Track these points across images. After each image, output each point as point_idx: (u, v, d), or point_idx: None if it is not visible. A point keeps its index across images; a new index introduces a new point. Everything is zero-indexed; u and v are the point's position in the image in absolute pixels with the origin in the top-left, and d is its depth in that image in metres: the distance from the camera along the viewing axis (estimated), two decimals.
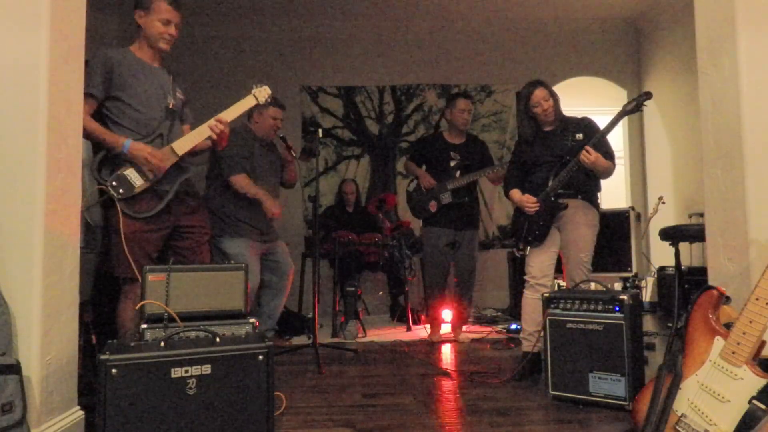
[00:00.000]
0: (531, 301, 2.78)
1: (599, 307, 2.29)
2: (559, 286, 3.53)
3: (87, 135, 2.12)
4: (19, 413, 1.51)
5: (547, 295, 2.46)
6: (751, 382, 1.47)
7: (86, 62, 2.01)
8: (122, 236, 2.18)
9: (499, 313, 4.90)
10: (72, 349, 1.85)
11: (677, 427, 1.59)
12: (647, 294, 5.11)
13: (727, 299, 1.67)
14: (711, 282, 2.13)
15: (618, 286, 4.31)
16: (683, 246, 3.41)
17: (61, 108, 1.79)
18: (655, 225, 4.04)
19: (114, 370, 1.61)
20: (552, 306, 2.41)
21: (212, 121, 2.37)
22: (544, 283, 2.78)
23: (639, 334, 2.34)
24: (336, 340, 3.91)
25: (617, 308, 2.24)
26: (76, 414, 1.84)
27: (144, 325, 1.91)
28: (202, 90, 5.13)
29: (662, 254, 4.71)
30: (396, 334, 4.18)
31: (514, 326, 3.95)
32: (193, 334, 1.88)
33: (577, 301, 2.35)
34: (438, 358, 3.33)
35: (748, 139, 2.00)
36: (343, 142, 5.91)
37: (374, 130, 5.95)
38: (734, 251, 2.06)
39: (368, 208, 5.05)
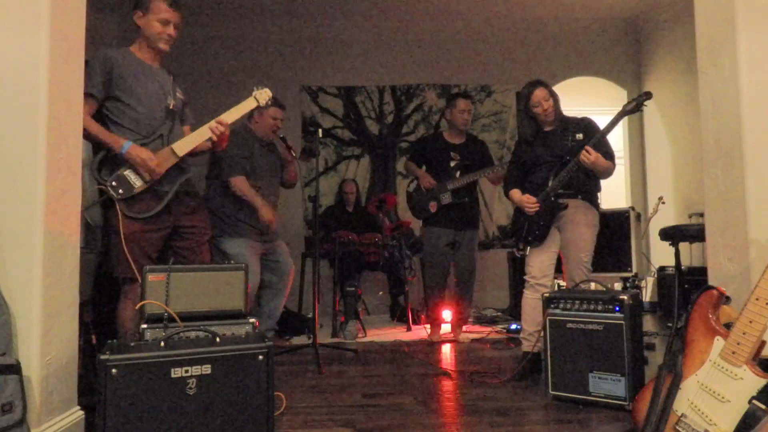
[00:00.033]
0: (531, 301, 2.78)
1: (599, 307, 2.29)
2: (559, 286, 3.53)
3: (86, 135, 2.12)
4: (19, 413, 1.51)
5: (547, 295, 2.46)
6: (751, 382, 1.47)
7: (86, 62, 2.01)
8: (122, 236, 2.18)
9: (499, 313, 4.90)
10: (72, 349, 1.85)
11: (677, 427, 1.59)
12: (647, 294, 5.11)
13: (727, 299, 1.67)
14: (711, 282, 2.13)
15: (618, 286, 4.31)
16: (683, 246, 3.41)
17: (61, 108, 1.79)
18: (655, 225, 4.04)
19: (114, 370, 1.61)
20: (552, 306, 2.41)
21: (213, 123, 2.37)
22: (544, 283, 2.78)
23: (639, 334, 2.34)
24: (336, 340, 3.91)
25: (617, 308, 2.24)
26: (76, 414, 1.84)
27: (144, 325, 1.91)
28: (202, 90, 5.13)
29: (662, 254, 4.71)
30: (396, 334, 4.18)
31: (514, 326, 3.95)
32: (193, 334, 1.88)
33: (577, 301, 2.35)
34: (438, 358, 3.33)
35: (748, 139, 2.00)
36: (343, 142, 5.91)
37: (374, 130, 5.95)
38: (734, 251, 2.06)
39: (368, 208, 5.05)
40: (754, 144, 1.99)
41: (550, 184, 2.75)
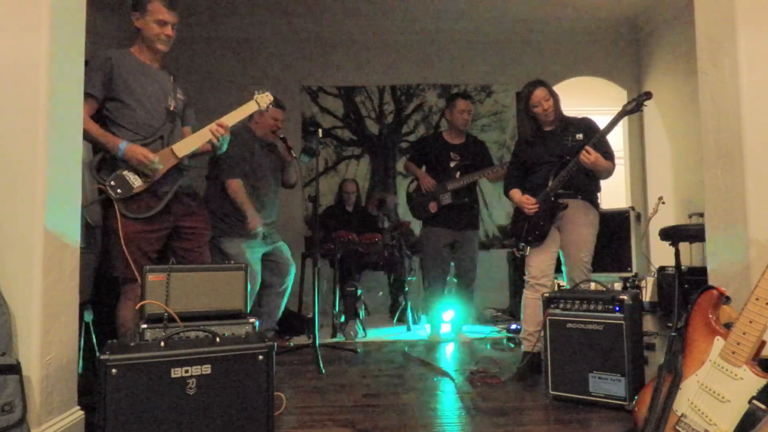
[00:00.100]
0: (531, 301, 2.78)
1: (599, 307, 2.29)
2: (559, 286, 3.53)
3: (84, 136, 2.11)
4: (19, 413, 1.51)
5: (547, 295, 2.46)
6: (751, 382, 1.46)
7: (86, 62, 2.01)
8: (121, 236, 2.18)
9: (499, 313, 4.90)
10: (72, 349, 1.86)
11: (677, 427, 1.59)
12: (647, 294, 5.11)
13: (727, 299, 1.67)
14: (711, 282, 2.13)
15: (618, 286, 4.31)
16: (683, 246, 3.41)
17: (61, 108, 1.79)
18: (655, 225, 4.05)
19: (114, 370, 1.61)
20: (552, 306, 2.41)
21: (213, 125, 2.37)
22: (544, 283, 2.78)
23: (639, 334, 2.34)
24: (336, 340, 3.91)
25: (617, 308, 2.24)
26: (76, 414, 1.84)
27: (144, 325, 1.91)
28: (202, 90, 5.12)
29: (662, 254, 4.71)
30: (396, 334, 4.18)
31: (514, 326, 3.95)
32: (193, 334, 1.88)
33: (577, 301, 2.35)
34: (438, 358, 3.33)
35: (748, 139, 2.00)
36: (343, 142, 5.91)
37: (374, 130, 5.95)
38: (734, 251, 2.06)
39: (368, 208, 5.05)
40: (754, 144, 1.99)
41: (550, 184, 2.75)
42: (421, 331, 4.24)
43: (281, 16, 5.75)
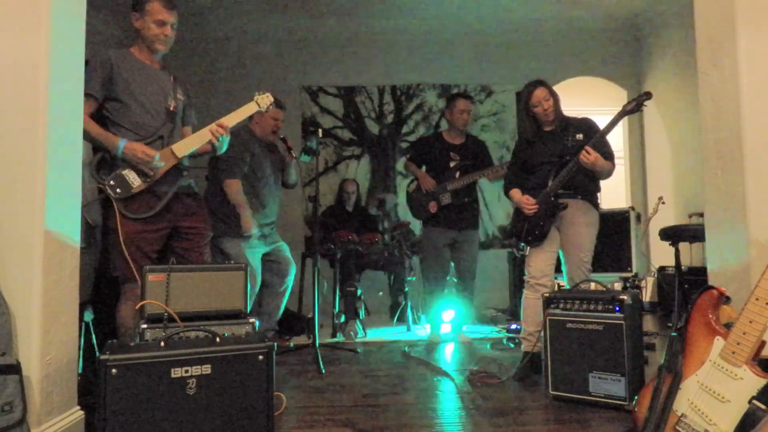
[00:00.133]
0: (531, 301, 2.78)
1: (599, 307, 2.29)
2: (559, 286, 3.53)
3: (84, 135, 2.11)
4: (19, 413, 1.51)
5: (547, 295, 2.46)
6: (751, 382, 1.47)
7: (86, 62, 2.01)
8: (120, 236, 2.18)
9: (499, 313, 4.90)
10: (72, 349, 1.86)
11: (677, 427, 1.59)
12: (647, 294, 5.11)
13: (727, 299, 1.67)
14: (711, 282, 2.13)
15: (618, 286, 4.31)
16: (683, 246, 3.41)
17: (61, 108, 1.79)
18: (655, 225, 4.04)
19: (114, 370, 1.61)
20: (552, 306, 2.41)
21: (213, 126, 2.36)
22: (544, 283, 2.78)
23: (639, 334, 2.34)
24: (336, 340, 3.91)
25: (617, 308, 2.24)
26: (76, 414, 1.85)
27: (144, 325, 1.91)
28: (202, 90, 5.12)
29: (662, 254, 4.71)
30: (396, 334, 4.18)
31: (514, 326, 3.95)
32: (193, 334, 1.88)
33: (577, 301, 2.35)
34: (438, 358, 3.33)
35: (748, 139, 2.00)
36: (343, 142, 5.91)
37: (374, 130, 5.95)
38: (734, 251, 2.06)
39: (369, 208, 5.05)
40: (754, 144, 2.00)
41: (549, 184, 2.75)
42: (421, 331, 4.24)
43: (281, 15, 5.74)
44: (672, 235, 3.29)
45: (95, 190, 2.31)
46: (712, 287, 1.67)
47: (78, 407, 1.87)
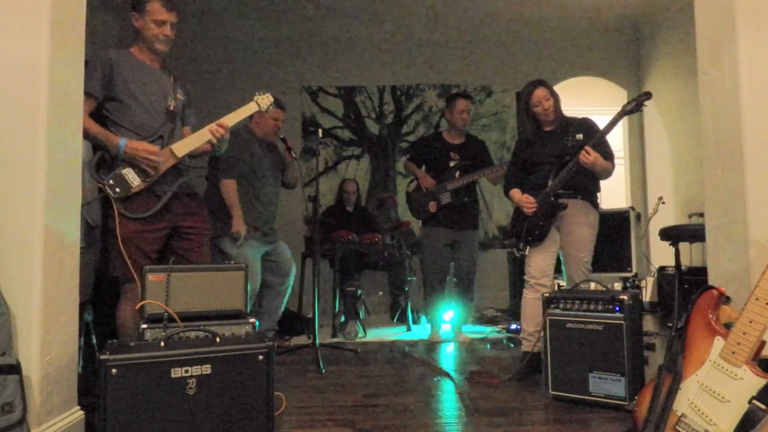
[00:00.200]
0: (531, 301, 2.78)
1: (599, 307, 2.29)
2: (559, 286, 3.53)
3: (84, 134, 2.11)
4: (19, 413, 1.51)
5: (547, 295, 2.46)
6: (751, 382, 1.46)
7: (86, 62, 2.01)
8: (119, 236, 2.18)
9: (499, 313, 4.90)
10: (72, 349, 1.85)
11: (677, 427, 1.59)
12: (647, 294, 5.11)
13: (727, 299, 1.67)
14: (711, 282, 2.13)
15: (618, 286, 4.31)
16: (683, 246, 3.41)
17: (61, 108, 1.79)
18: (655, 225, 4.04)
19: (114, 370, 1.61)
20: (552, 306, 2.41)
21: (213, 125, 2.36)
22: (543, 283, 2.78)
23: (639, 334, 2.34)
24: (336, 340, 3.91)
25: (617, 308, 2.24)
26: (76, 414, 1.84)
27: (144, 325, 1.91)
28: (202, 90, 5.12)
29: (662, 254, 4.71)
30: (396, 334, 4.18)
31: (514, 326, 3.95)
32: (193, 334, 1.88)
33: (577, 301, 2.35)
34: (438, 358, 3.33)
35: (748, 139, 2.00)
36: (343, 142, 5.91)
37: (374, 130, 5.95)
38: (734, 251, 2.06)
39: (369, 208, 5.04)
40: (754, 144, 1.99)
41: (549, 184, 2.75)
42: (421, 331, 4.23)
43: (281, 15, 5.74)
44: (672, 235, 3.28)
45: (95, 190, 2.31)
46: (712, 287, 1.66)
47: (78, 407, 1.87)
